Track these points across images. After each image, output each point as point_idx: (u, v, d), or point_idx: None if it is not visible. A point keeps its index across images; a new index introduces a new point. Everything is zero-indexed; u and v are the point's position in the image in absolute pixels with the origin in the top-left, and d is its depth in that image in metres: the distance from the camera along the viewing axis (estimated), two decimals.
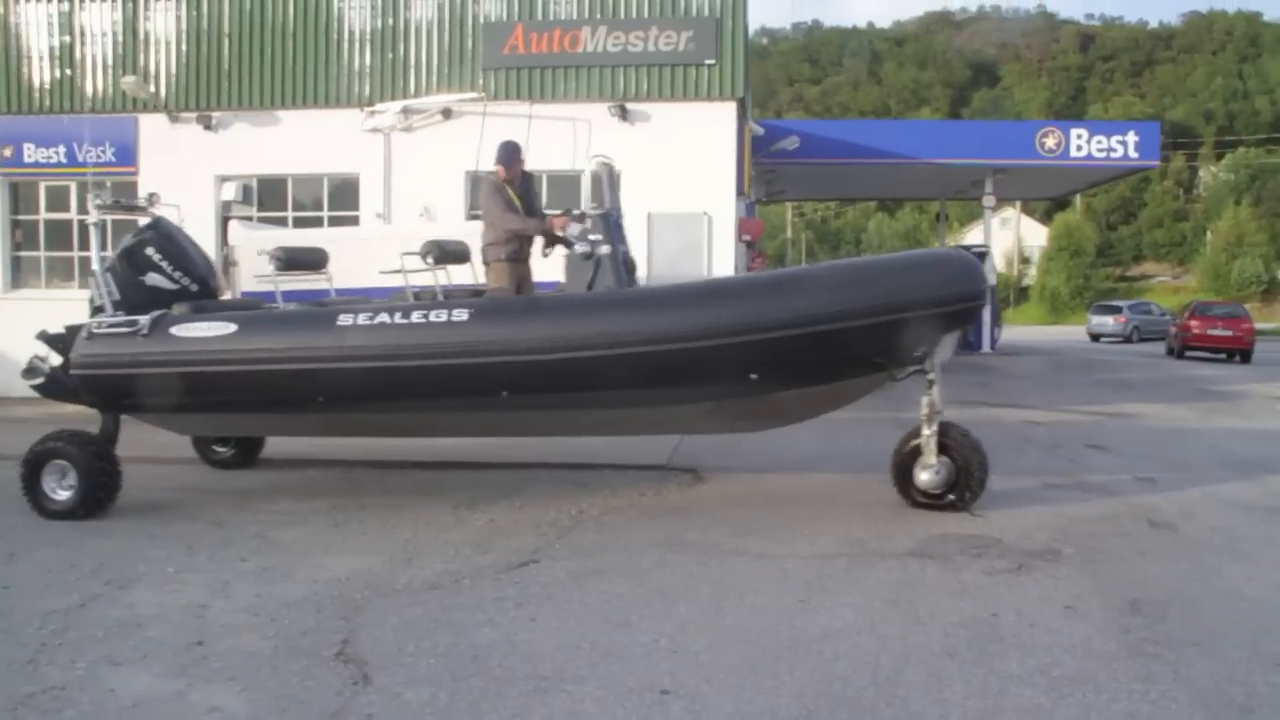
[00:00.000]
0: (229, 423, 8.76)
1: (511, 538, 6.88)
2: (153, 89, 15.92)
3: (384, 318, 7.47)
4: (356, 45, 15.68)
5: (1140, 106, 79.16)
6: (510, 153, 8.56)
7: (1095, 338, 39.32)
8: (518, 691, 4.26)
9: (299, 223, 15.93)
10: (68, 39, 16.25)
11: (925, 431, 7.44)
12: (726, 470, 9.36)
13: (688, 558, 6.35)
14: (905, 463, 7.68)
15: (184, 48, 15.95)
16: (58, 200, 16.63)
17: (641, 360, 7.14)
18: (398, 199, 15.57)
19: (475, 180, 8.81)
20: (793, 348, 7.06)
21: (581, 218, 8.01)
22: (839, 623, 5.12)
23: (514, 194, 8.49)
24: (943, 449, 7.51)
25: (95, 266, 8.38)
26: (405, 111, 15.53)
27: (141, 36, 16.00)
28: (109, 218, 8.54)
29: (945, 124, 52.68)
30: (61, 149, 16.28)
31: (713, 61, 15.23)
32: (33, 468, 7.64)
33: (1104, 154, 23.55)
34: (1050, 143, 23.49)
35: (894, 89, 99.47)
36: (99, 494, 7.63)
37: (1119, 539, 6.89)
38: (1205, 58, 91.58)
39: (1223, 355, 27.20)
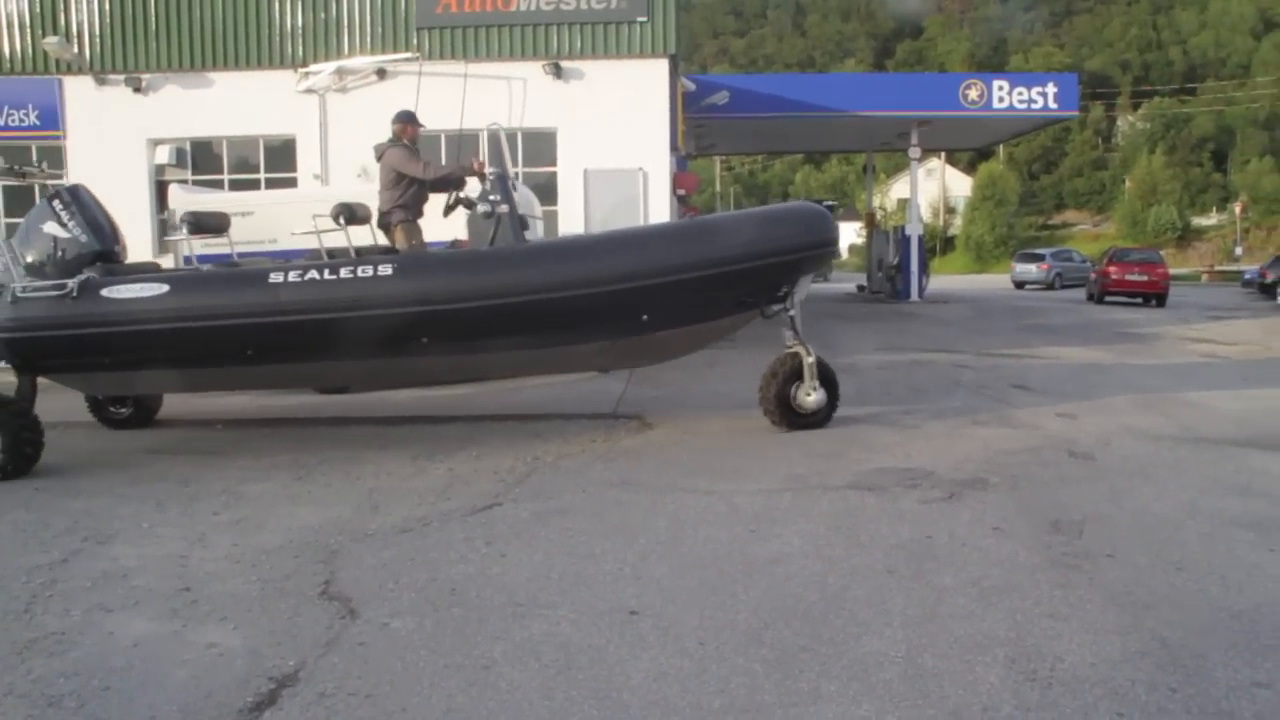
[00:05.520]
0: (154, 380, 8.96)
1: (472, 485, 7.18)
2: (76, 50, 15.69)
3: (314, 274, 8.00)
4: (288, 5, 15.62)
5: (1060, 57, 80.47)
6: (413, 116, 9.51)
7: (1019, 285, 40.38)
8: (497, 617, 4.60)
9: (235, 185, 15.89)
10: None
11: (808, 359, 8.55)
12: (671, 416, 9.74)
13: (642, 496, 6.72)
14: (784, 389, 8.69)
15: (108, 7, 15.74)
16: None
17: (552, 306, 7.97)
18: (335, 160, 15.64)
19: (381, 147, 9.24)
20: (683, 291, 8.08)
21: (483, 178, 8.65)
22: (788, 548, 5.53)
23: None
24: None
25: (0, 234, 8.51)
26: (339, 72, 15.56)
27: None
28: (4, 183, 8.62)
29: (871, 77, 53.25)
30: None
31: (644, 19, 15.46)
32: None
33: (1025, 105, 24.16)
34: (973, 94, 24.05)
35: (818, 41, 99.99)
36: (25, 454, 7.78)
37: (1041, 468, 7.41)
38: (1121, 9, 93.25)
39: (1139, 300, 28.21)
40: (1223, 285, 42.04)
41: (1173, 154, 68.63)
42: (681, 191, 18.47)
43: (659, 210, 15.73)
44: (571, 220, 15.39)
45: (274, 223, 11.62)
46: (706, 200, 64.89)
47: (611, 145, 15.32)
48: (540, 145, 15.82)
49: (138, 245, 15.21)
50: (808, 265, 8.63)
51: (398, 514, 6.46)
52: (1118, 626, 4.41)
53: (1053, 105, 24.36)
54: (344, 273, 7.99)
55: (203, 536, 6.08)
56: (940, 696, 3.78)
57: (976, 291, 36.50)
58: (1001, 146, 63.26)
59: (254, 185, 15.90)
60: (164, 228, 14.07)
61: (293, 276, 8.00)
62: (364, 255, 8.56)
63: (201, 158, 16.26)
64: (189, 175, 15.71)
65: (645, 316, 8.17)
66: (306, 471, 7.78)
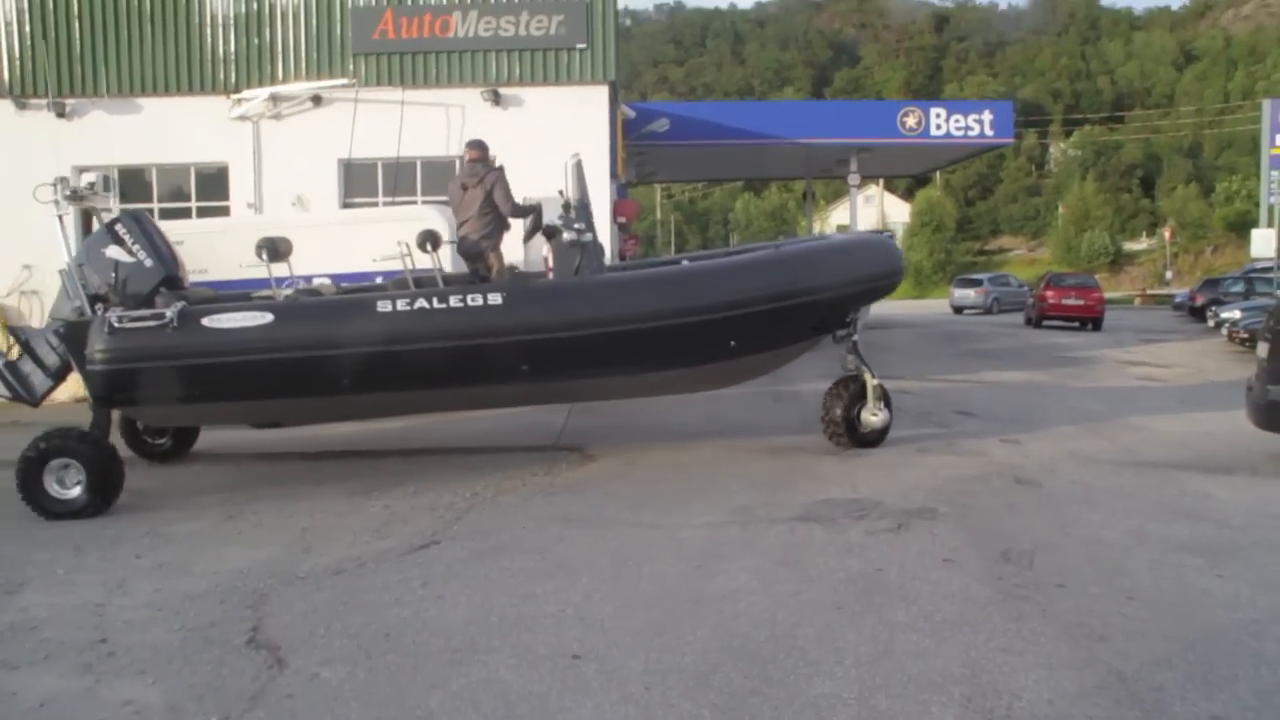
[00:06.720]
0: (234, 412, 8.72)
1: (409, 522, 6.95)
2: None
3: (423, 303, 7.88)
4: (220, 30, 15.26)
5: (993, 85, 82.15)
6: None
7: (958, 310, 40.69)
8: (434, 664, 4.39)
9: (166, 214, 15.45)
10: None
11: (872, 382, 8.97)
12: (614, 447, 9.57)
13: (585, 532, 6.54)
14: (849, 410, 9.04)
15: (29, 29, 15.22)
16: None
17: (655, 334, 8.10)
18: (269, 188, 15.26)
19: (476, 170, 8.90)
20: (774, 319, 8.41)
21: (568, 208, 8.59)
22: (735, 584, 5.38)
23: None
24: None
25: (68, 261, 8.30)
26: (274, 98, 15.21)
27: None
28: (72, 209, 8.40)
29: (810, 104, 53.73)
30: None
31: (584, 45, 15.35)
32: (33, 469, 7.43)
33: (962, 132, 24.36)
34: (911, 122, 24.22)
35: (757, 69, 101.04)
36: (109, 488, 7.55)
37: (989, 496, 7.35)
38: (1051, 39, 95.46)
39: (1076, 324, 28.55)
40: (1155, 308, 42.82)
41: (1103, 180, 70.09)
42: (622, 219, 18.34)
43: (599, 238, 15.55)
44: (512, 249, 15.15)
45: (206, 252, 11.27)
46: (647, 227, 64.98)
47: (551, 172, 15.07)
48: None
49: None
50: (880, 293, 9.35)
51: (331, 554, 6.21)
52: (1073, 660, 4.31)
53: (989, 132, 24.60)
54: (454, 301, 7.92)
55: (123, 583, 5.78)
56: None
57: (916, 317, 36.76)
58: (939, 173, 64.15)
59: (185, 214, 15.44)
60: None
61: (401, 305, 7.87)
62: (454, 284, 8.49)
63: (130, 186, 15.78)
64: (115, 204, 15.24)
65: (734, 343, 8.38)
66: (236, 510, 7.50)
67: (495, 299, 7.97)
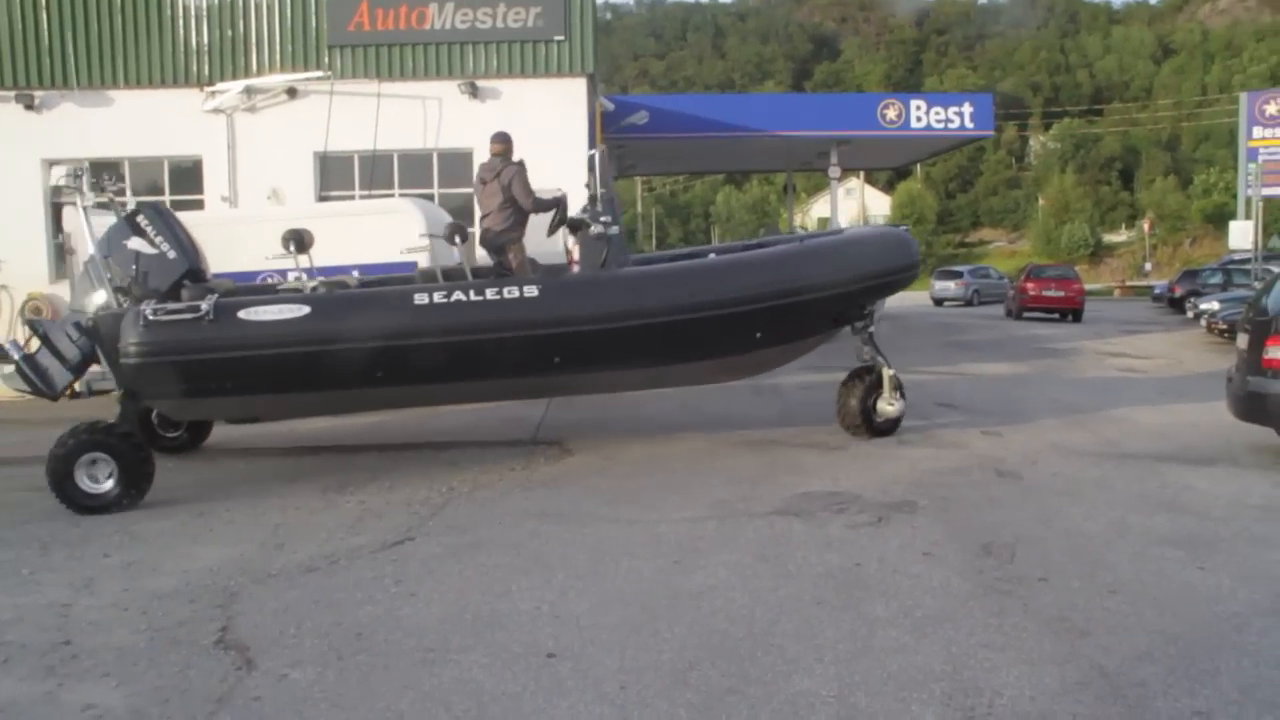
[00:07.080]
0: (261, 406, 8.62)
1: (384, 518, 6.85)
2: None
3: (460, 295, 7.86)
4: (193, 22, 15.07)
5: (973, 79, 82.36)
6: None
7: (938, 302, 40.80)
8: (405, 664, 4.30)
9: None
10: None
11: (888, 372, 9.24)
12: (592, 442, 9.49)
13: (561, 527, 6.45)
14: (865, 400, 9.22)
15: None
16: None
17: (686, 326, 8.17)
18: (244, 182, 15.10)
19: (494, 165, 8.87)
20: (800, 311, 8.52)
21: (594, 200, 8.56)
22: (713, 580, 5.30)
23: None
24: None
25: (92, 252, 8.18)
26: (248, 91, 15.03)
27: None
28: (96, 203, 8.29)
29: (790, 97, 53.75)
30: None
31: (562, 37, 15.23)
32: (65, 463, 7.33)
33: (942, 125, 24.32)
34: (891, 114, 24.18)
35: (737, 63, 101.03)
36: (142, 482, 7.49)
37: (970, 488, 7.30)
38: (1031, 32, 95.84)
39: (1056, 315, 28.61)
40: (1134, 300, 43.00)
41: (1083, 173, 70.42)
42: None
43: (623, 231, 15.50)
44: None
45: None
46: (628, 221, 64.83)
47: (529, 165, 15.01)
48: (456, 166, 15.43)
49: (34, 269, 14.57)
50: (898, 285, 9.48)
51: (304, 551, 6.11)
52: (1055, 656, 4.25)
53: (969, 125, 24.57)
54: (490, 294, 7.92)
55: (90, 582, 5.66)
56: None
57: (897, 308, 36.73)
58: (919, 166, 64.26)
59: None
60: (61, 251, 13.41)
61: (438, 298, 7.85)
62: (482, 276, 8.52)
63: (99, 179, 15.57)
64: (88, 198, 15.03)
65: (759, 335, 8.46)
66: (208, 507, 7.37)
67: (531, 291, 7.97)
